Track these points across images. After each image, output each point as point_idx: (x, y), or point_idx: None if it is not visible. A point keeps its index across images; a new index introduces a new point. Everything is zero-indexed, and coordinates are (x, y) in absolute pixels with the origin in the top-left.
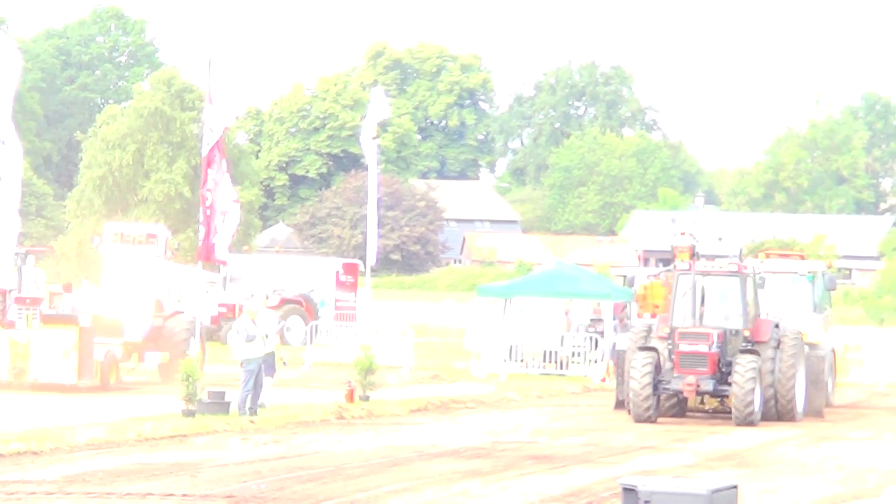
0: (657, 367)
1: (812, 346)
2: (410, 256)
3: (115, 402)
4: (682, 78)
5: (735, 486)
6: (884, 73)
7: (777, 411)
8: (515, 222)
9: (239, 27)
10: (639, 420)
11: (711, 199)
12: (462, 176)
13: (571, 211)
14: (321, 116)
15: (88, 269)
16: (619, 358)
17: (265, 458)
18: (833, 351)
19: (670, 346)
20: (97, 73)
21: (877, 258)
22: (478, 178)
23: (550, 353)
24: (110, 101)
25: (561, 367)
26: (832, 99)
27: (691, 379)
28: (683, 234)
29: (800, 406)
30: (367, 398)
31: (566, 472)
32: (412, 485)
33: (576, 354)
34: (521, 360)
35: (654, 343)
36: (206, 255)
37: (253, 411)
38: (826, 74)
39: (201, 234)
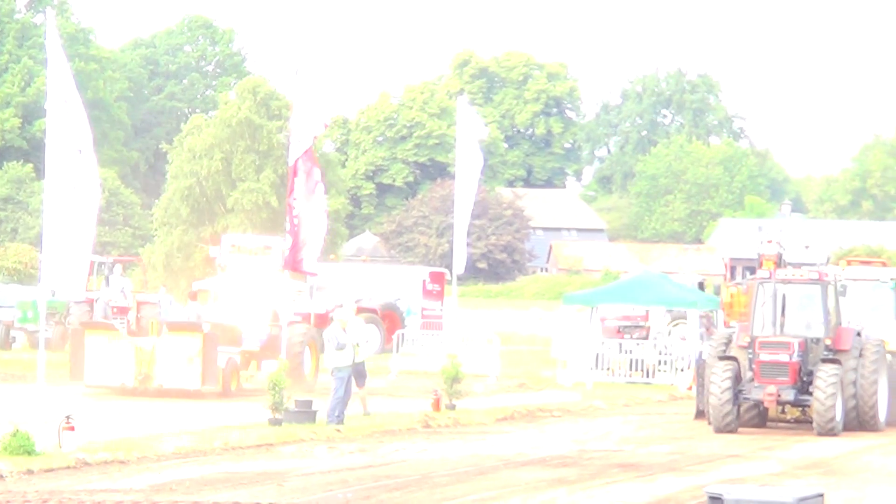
0: (737, 377)
1: (894, 354)
2: (497, 265)
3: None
4: (769, 85)
5: (822, 494)
6: None
7: (859, 421)
8: (602, 230)
9: (326, 36)
10: (719, 430)
11: (798, 206)
12: (548, 184)
13: (658, 219)
14: (408, 125)
15: (174, 278)
16: (700, 367)
17: (351, 466)
18: None
19: (751, 356)
20: (184, 82)
21: None
22: (564, 187)
23: (637, 361)
24: (197, 111)
25: (647, 376)
26: None
27: (772, 389)
28: (770, 242)
29: (882, 415)
30: (453, 407)
31: (653, 481)
32: (498, 493)
33: (662, 363)
34: (608, 369)
35: (734, 352)
36: (293, 265)
37: (340, 420)
38: None
39: (288, 244)
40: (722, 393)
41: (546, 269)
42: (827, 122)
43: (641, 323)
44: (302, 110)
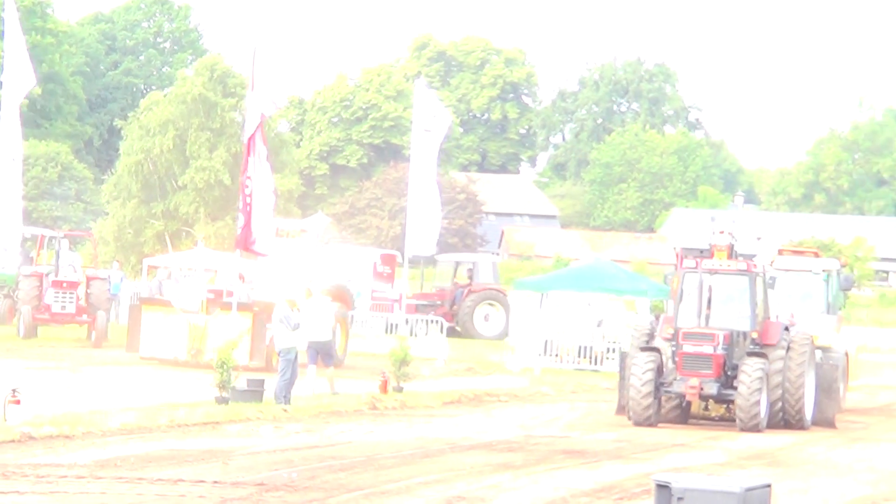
0: (659, 369)
1: (825, 349)
2: (448, 249)
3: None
4: (725, 77)
5: (769, 485)
6: None
7: (784, 418)
8: (554, 217)
9: (284, 16)
10: (638, 424)
11: (751, 198)
12: (503, 170)
13: (611, 207)
14: (364, 107)
15: (125, 253)
16: (622, 359)
17: (297, 446)
18: (846, 354)
19: (674, 347)
20: (141, 58)
21: None
22: (518, 173)
23: (585, 348)
24: (153, 87)
25: (595, 363)
26: (875, 101)
27: (694, 381)
28: (722, 232)
29: (809, 414)
30: (400, 389)
31: (598, 468)
32: (444, 476)
33: (610, 350)
34: (556, 355)
35: (657, 344)
36: (245, 244)
37: (287, 400)
38: (869, 76)
39: (240, 223)
40: (643, 385)
41: (497, 255)
42: (782, 115)
43: (437, 302)
44: (256, 89)
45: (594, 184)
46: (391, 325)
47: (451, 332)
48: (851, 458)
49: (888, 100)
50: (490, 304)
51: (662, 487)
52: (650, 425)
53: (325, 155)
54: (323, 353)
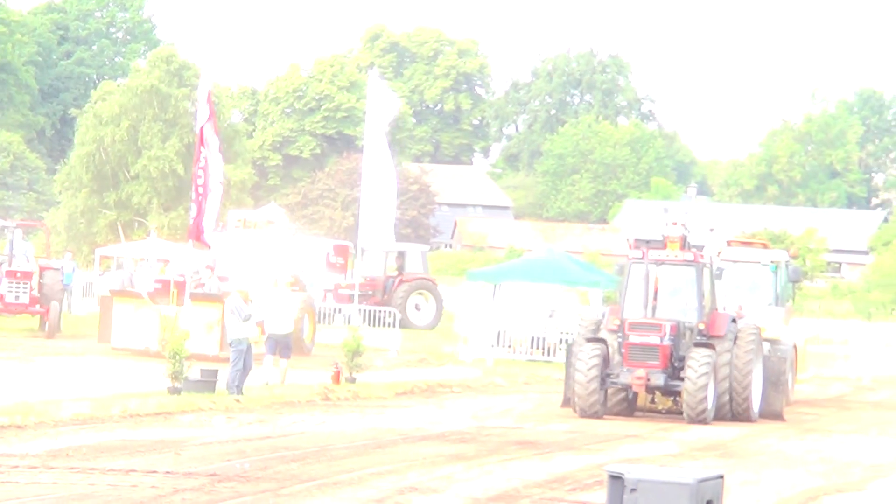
0: (605, 360)
1: (773, 341)
2: (401, 239)
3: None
4: (678, 68)
5: (721, 476)
6: (878, 68)
7: (732, 410)
8: (507, 208)
9: (237, 6)
10: (584, 415)
11: (704, 189)
12: (456, 160)
13: (564, 198)
14: (316, 97)
15: (77, 244)
16: (568, 351)
17: (249, 437)
18: (794, 346)
19: (620, 339)
20: (94, 48)
21: (866, 253)
22: (471, 164)
23: (538, 339)
24: (106, 77)
25: (548, 354)
26: (827, 93)
27: (641, 372)
28: (675, 223)
29: (756, 406)
30: (353, 380)
31: (550, 459)
32: (396, 467)
33: (563, 341)
34: (509, 346)
35: (603, 335)
36: (197, 234)
37: (239, 391)
38: (822, 68)
39: (192, 213)
40: (588, 376)
41: (450, 245)
42: (735, 106)
43: (369, 291)
44: (207, 79)
45: (547, 175)
46: (346, 315)
47: (383, 322)
48: (803, 449)
49: (841, 91)
50: (420, 294)
51: (615, 478)
52: (596, 417)
53: (278, 145)
54: (282, 346)
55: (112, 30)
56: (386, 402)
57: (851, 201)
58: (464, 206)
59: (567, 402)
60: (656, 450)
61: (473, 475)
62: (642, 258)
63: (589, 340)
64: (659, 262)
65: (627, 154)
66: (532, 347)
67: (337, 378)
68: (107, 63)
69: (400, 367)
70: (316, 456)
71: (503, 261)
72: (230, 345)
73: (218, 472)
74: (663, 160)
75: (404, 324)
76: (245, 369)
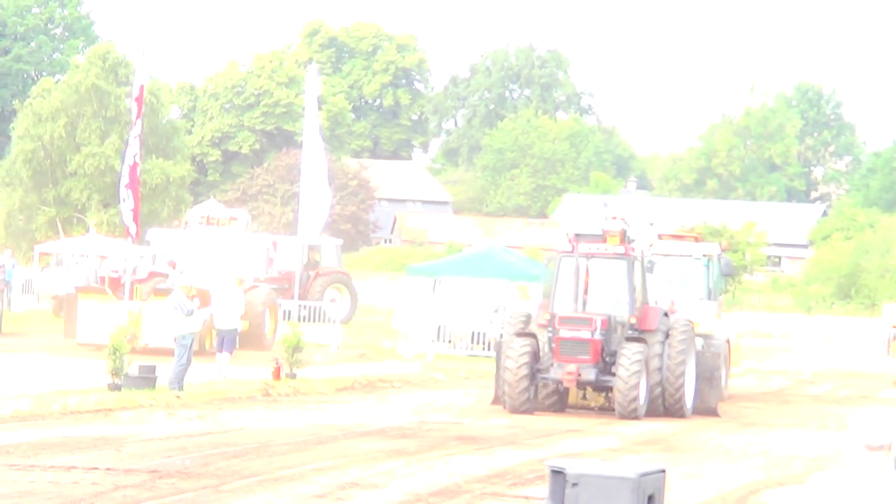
0: (535, 355)
1: (706, 336)
2: (341, 235)
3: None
4: (617, 63)
5: (663, 470)
6: (817, 62)
7: (664, 406)
8: (447, 203)
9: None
10: (514, 411)
11: (643, 184)
12: (395, 156)
13: (503, 193)
14: (256, 93)
15: (15, 240)
16: (498, 347)
17: (190, 433)
18: (727, 341)
19: (550, 333)
20: (32, 44)
21: (806, 246)
22: (410, 159)
23: (478, 334)
24: (44, 74)
25: (488, 348)
26: (766, 87)
27: (572, 367)
28: (614, 218)
29: (689, 401)
30: (293, 376)
31: (491, 454)
32: (337, 463)
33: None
34: (449, 341)
35: (533, 330)
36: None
37: (180, 387)
38: (761, 62)
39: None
40: (518, 371)
41: (390, 241)
42: (675, 101)
43: (285, 285)
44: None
45: (486, 170)
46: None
47: (298, 317)
48: (744, 442)
49: (780, 85)
50: (335, 288)
51: (557, 473)
52: (526, 413)
53: (218, 141)
54: (227, 340)
55: (50, 26)
56: (326, 397)
57: (791, 195)
58: (403, 201)
59: (497, 399)
60: (597, 444)
61: (414, 470)
62: (572, 251)
63: (518, 335)
64: (589, 256)
65: (567, 149)
66: (472, 342)
67: (277, 374)
68: (45, 59)
69: (340, 363)
70: (257, 452)
71: (443, 256)
72: (175, 340)
73: (159, 469)
74: (602, 154)
75: (319, 317)
76: (187, 365)
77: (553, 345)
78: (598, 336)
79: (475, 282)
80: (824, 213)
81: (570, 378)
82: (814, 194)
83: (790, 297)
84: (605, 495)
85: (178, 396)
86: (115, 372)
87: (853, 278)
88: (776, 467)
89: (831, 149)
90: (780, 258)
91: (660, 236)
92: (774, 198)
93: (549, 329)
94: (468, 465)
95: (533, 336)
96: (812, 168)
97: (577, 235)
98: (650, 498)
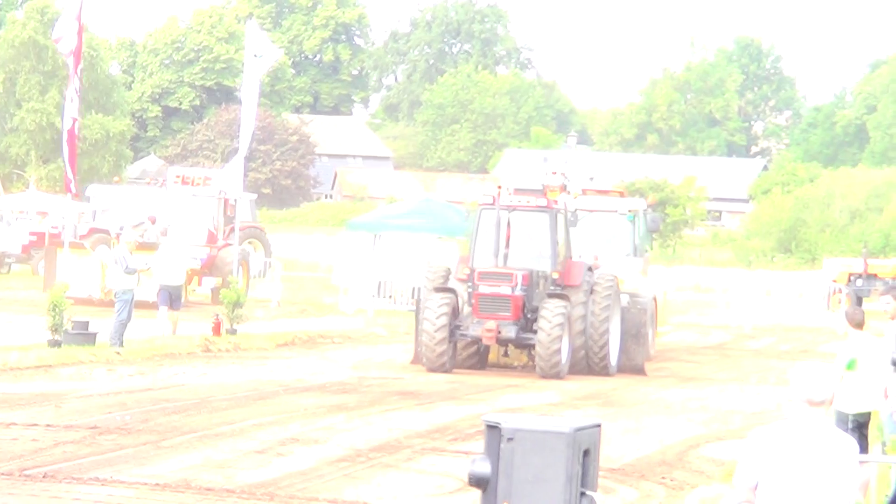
0: (455, 311)
1: (632, 294)
2: (281, 191)
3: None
4: (557, 17)
5: (599, 425)
6: (757, 16)
7: (588, 364)
8: (388, 158)
9: None
10: (432, 369)
11: (584, 139)
12: (335, 111)
13: (444, 148)
14: (195, 49)
15: None
16: (416, 304)
17: (130, 389)
18: (654, 299)
19: (470, 289)
20: None
21: (746, 201)
22: (351, 114)
23: (419, 289)
24: None
25: None
26: (706, 41)
27: (491, 324)
28: (555, 173)
29: (614, 359)
30: (234, 332)
31: (431, 409)
32: (277, 418)
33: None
34: (390, 297)
35: (453, 285)
36: (67, 185)
37: (120, 343)
38: (701, 17)
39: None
40: (436, 329)
41: (331, 196)
42: (615, 55)
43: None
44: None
45: (427, 125)
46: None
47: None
48: (684, 397)
49: (720, 40)
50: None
51: (492, 428)
52: (445, 371)
53: (158, 97)
54: (174, 297)
55: None
56: (267, 353)
57: (731, 150)
58: (343, 156)
59: (418, 358)
60: (537, 399)
61: (355, 426)
62: (493, 204)
63: (437, 290)
64: (510, 209)
65: (507, 104)
66: (413, 298)
67: (217, 329)
68: None
69: (281, 319)
70: (197, 408)
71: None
72: (115, 295)
73: (99, 425)
74: (543, 109)
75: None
76: (127, 321)
77: (473, 301)
78: (518, 292)
79: (415, 237)
80: (765, 168)
81: (490, 335)
82: (754, 149)
83: (731, 251)
84: (540, 450)
85: (118, 353)
86: (55, 328)
87: (793, 233)
88: (716, 422)
89: (771, 103)
90: (720, 213)
91: (583, 191)
92: (715, 152)
93: (469, 284)
94: (408, 420)
95: (452, 291)
96: (752, 123)
97: (518, 190)
98: (585, 452)
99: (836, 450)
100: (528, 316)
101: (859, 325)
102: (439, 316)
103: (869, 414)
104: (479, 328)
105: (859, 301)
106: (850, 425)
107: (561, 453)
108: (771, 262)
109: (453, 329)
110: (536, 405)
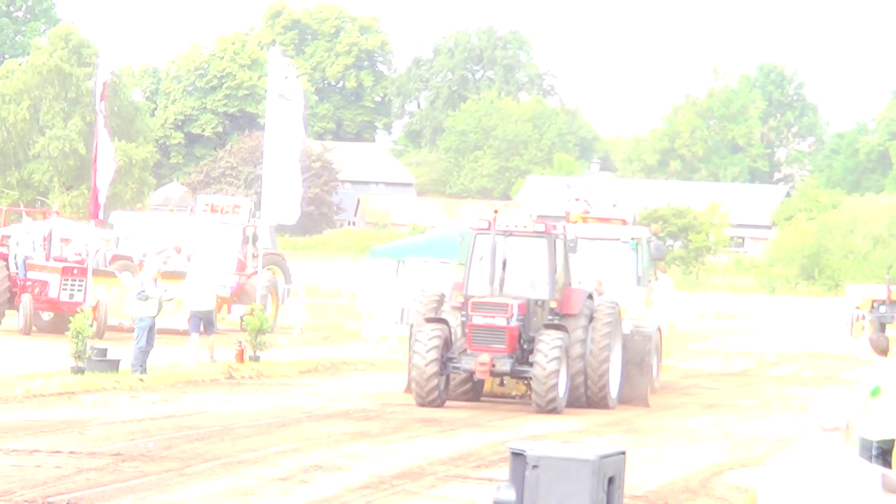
0: (446, 343)
1: (636, 323)
2: (304, 217)
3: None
4: (580, 44)
5: (623, 452)
6: (780, 42)
7: (587, 397)
8: (410, 185)
9: None
10: (422, 404)
11: (607, 165)
12: (358, 138)
13: (467, 175)
14: (218, 75)
15: None
16: (410, 333)
17: (153, 416)
18: (658, 329)
19: (464, 318)
20: None
21: (769, 227)
22: (374, 141)
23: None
24: (7, 56)
25: None
26: (729, 68)
27: (485, 357)
28: (577, 199)
29: (614, 391)
30: (257, 358)
31: (455, 436)
32: (300, 445)
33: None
34: (413, 323)
35: (446, 315)
36: (97, 213)
37: (143, 370)
38: (724, 43)
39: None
40: (427, 360)
41: (353, 223)
42: (638, 82)
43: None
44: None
45: (450, 151)
46: None
47: None
48: (707, 424)
49: (743, 66)
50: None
51: (517, 455)
52: (436, 406)
53: (180, 124)
54: (206, 322)
55: (12, 8)
56: (290, 380)
57: (754, 176)
58: (366, 183)
59: (410, 388)
60: (560, 426)
61: (378, 453)
62: (488, 229)
63: (429, 321)
64: (507, 234)
65: (530, 130)
66: None
67: (241, 356)
68: (7, 42)
69: (304, 345)
70: (220, 435)
71: (406, 237)
72: (133, 322)
73: (122, 452)
74: (566, 136)
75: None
76: (147, 347)
77: (466, 331)
78: (514, 323)
79: (438, 263)
80: (787, 194)
81: (484, 369)
82: (777, 175)
83: (754, 277)
84: (565, 477)
85: (140, 380)
86: (78, 355)
87: (816, 259)
88: (739, 448)
89: (794, 130)
90: (743, 239)
91: (584, 219)
92: (737, 179)
93: (462, 313)
94: (431, 447)
95: (444, 322)
96: (775, 149)
97: (541, 217)
98: (610, 480)
99: (851, 476)
100: (525, 346)
101: (884, 351)
102: (430, 350)
103: (893, 441)
104: (473, 361)
105: (883, 327)
106: (874, 452)
107: (586, 481)
108: (794, 289)
109: (445, 362)
110: (560, 432)
